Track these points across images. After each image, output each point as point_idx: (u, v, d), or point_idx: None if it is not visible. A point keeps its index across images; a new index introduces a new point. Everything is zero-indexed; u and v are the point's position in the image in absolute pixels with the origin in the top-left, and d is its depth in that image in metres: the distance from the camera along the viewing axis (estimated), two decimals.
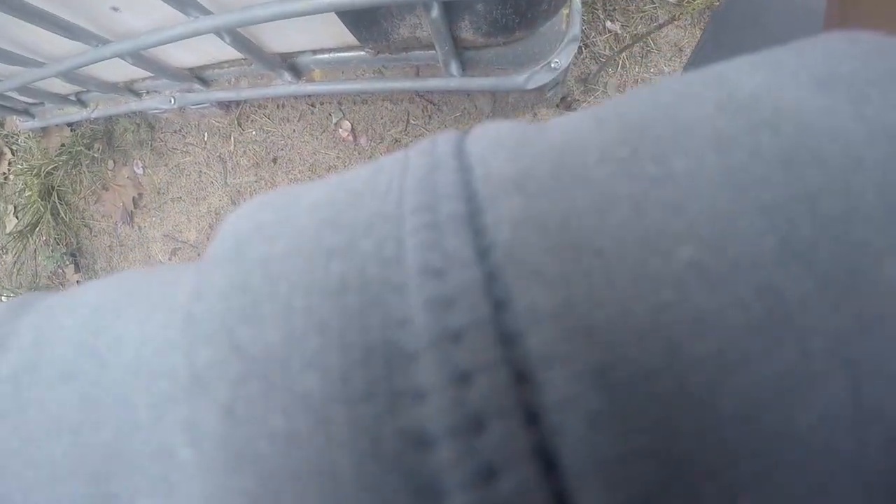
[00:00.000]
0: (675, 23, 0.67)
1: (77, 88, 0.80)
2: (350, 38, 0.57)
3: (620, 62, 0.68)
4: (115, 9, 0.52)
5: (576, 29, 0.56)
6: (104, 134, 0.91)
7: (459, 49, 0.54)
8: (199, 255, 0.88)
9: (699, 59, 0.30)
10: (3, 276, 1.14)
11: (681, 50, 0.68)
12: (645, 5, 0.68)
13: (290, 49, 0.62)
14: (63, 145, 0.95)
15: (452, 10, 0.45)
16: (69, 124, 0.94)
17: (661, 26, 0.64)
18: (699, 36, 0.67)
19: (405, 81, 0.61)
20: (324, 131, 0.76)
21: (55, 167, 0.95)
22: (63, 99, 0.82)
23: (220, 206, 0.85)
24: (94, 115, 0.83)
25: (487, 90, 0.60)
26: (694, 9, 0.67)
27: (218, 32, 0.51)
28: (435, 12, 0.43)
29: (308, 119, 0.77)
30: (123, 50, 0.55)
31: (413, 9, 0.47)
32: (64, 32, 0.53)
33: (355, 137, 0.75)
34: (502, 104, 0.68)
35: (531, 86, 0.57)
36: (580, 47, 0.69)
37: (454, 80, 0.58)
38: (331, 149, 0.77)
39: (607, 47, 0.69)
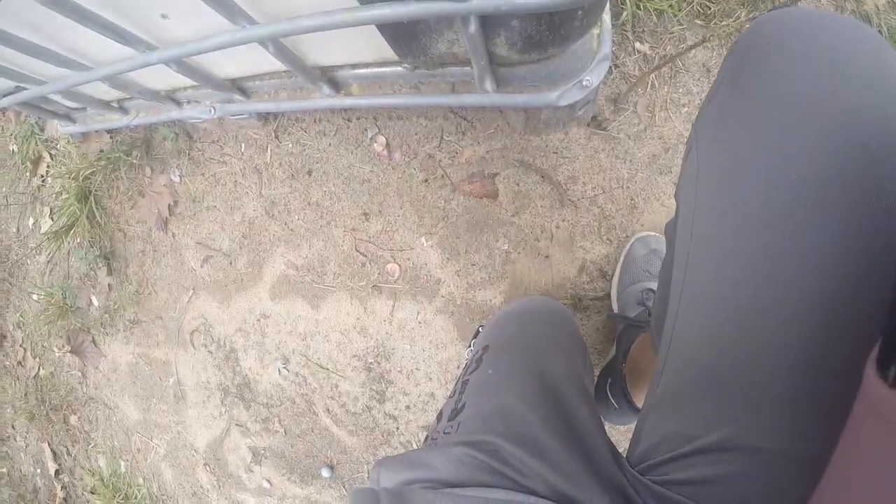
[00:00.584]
0: (704, 44, 0.68)
1: (120, 95, 0.83)
2: (389, 53, 0.58)
3: (650, 82, 0.69)
4: (164, 16, 0.54)
5: (606, 48, 0.57)
6: (143, 142, 0.94)
7: (494, 65, 0.56)
8: (230, 263, 0.90)
9: (715, 100, 0.30)
10: (36, 275, 1.17)
11: (709, 70, 0.69)
12: (673, 27, 0.69)
13: (331, 63, 0.64)
14: (102, 151, 0.98)
15: (489, 25, 0.46)
16: (109, 131, 0.97)
17: (690, 48, 0.65)
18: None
19: (441, 97, 0.62)
20: (359, 146, 0.78)
21: (93, 172, 0.98)
22: (106, 105, 0.85)
23: (254, 217, 0.87)
24: (134, 123, 0.86)
25: (520, 106, 0.61)
26: (722, 31, 0.68)
27: (263, 42, 0.52)
28: (473, 27, 0.45)
29: (344, 133, 0.79)
30: (170, 56, 0.56)
31: (451, 24, 0.49)
32: (114, 36, 0.54)
33: (390, 152, 0.77)
34: (534, 121, 0.69)
35: (563, 102, 0.58)
36: (610, 67, 0.70)
37: (488, 96, 0.59)
38: (365, 163, 0.78)
39: (637, 68, 0.70)
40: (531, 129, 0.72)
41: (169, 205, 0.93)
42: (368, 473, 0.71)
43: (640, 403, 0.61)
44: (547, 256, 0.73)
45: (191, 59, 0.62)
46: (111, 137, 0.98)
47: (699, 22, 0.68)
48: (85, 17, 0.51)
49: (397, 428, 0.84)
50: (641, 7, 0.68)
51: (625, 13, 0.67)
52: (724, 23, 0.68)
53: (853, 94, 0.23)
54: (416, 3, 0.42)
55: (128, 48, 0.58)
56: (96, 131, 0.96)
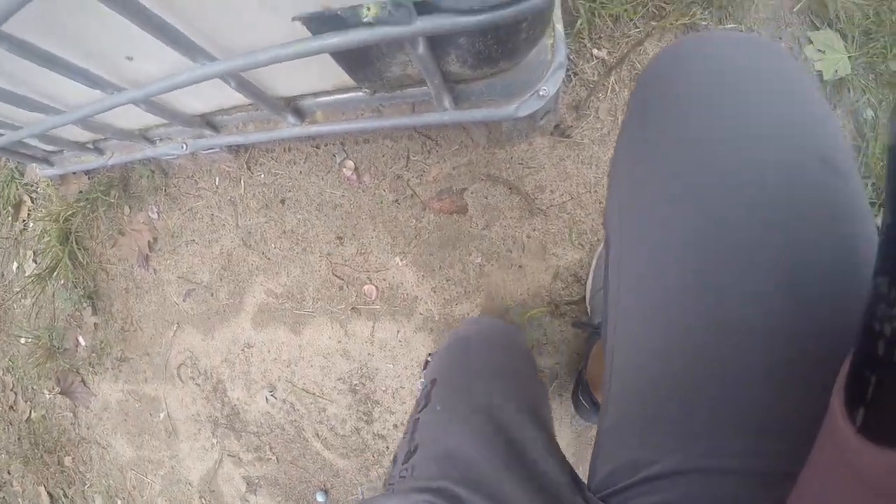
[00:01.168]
0: (658, 42, 0.70)
1: (95, 136, 0.84)
2: (348, 80, 0.60)
3: (609, 86, 0.71)
4: (129, 58, 0.55)
5: (561, 56, 0.59)
6: (120, 181, 0.96)
7: (450, 83, 0.57)
8: (212, 295, 0.91)
9: (625, 138, 0.30)
10: (23, 318, 1.17)
11: None
12: (630, 30, 0.70)
13: (294, 93, 0.65)
14: (81, 192, 0.99)
15: (438, 45, 0.48)
16: (87, 172, 0.98)
17: (639, 43, 0.66)
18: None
19: (402, 118, 0.63)
20: (329, 171, 0.79)
21: (73, 213, 0.99)
22: (81, 147, 0.86)
23: (232, 248, 0.88)
24: (110, 163, 0.87)
25: (480, 121, 0.62)
26: (676, 27, 0.69)
27: (223, 77, 0.54)
28: (421, 48, 0.46)
29: (313, 160, 0.80)
30: (136, 97, 0.58)
31: (402, 47, 0.50)
32: (83, 80, 0.56)
33: (359, 176, 0.78)
34: (497, 134, 0.70)
35: (522, 114, 0.59)
36: (570, 75, 0.72)
37: (447, 113, 0.61)
38: (336, 188, 0.79)
39: (596, 73, 0.71)
40: (495, 143, 0.73)
41: (149, 241, 0.94)
42: None
43: None
44: (520, 266, 0.74)
45: (158, 99, 0.63)
46: (89, 178, 0.99)
47: (654, 23, 0.69)
48: (54, 63, 0.53)
49: (387, 447, 0.84)
50: (596, 14, 0.69)
51: (580, 21, 0.68)
52: (678, 21, 0.69)
53: (753, 128, 0.23)
54: (362, 29, 0.43)
55: (95, 92, 0.59)
56: (74, 173, 0.97)
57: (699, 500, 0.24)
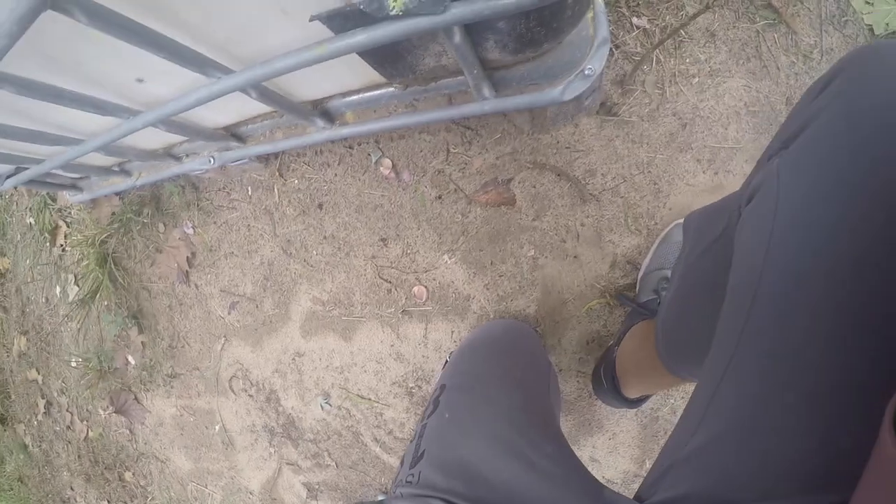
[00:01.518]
0: (708, 11, 0.64)
1: (119, 160, 0.83)
2: (377, 77, 0.56)
3: (654, 58, 0.66)
4: (140, 80, 0.53)
5: (604, 31, 0.53)
6: (152, 199, 0.95)
7: (488, 71, 0.53)
8: (257, 307, 0.90)
9: (815, 130, 0.25)
10: (71, 342, 1.19)
11: (713, 35, 0.65)
12: None
13: (319, 95, 0.62)
14: (114, 214, 0.99)
15: (475, 32, 0.44)
16: (117, 193, 0.98)
17: (694, 17, 0.61)
18: (730, 19, 0.64)
19: (439, 112, 0.60)
20: (365, 171, 0.77)
21: (108, 235, 0.99)
22: (107, 171, 0.85)
23: (273, 258, 0.86)
24: (139, 183, 0.86)
25: (524, 108, 0.58)
26: None
27: (242, 90, 0.51)
28: (457, 38, 0.42)
29: (348, 161, 0.77)
30: (151, 120, 0.55)
31: (435, 37, 0.46)
32: (95, 110, 0.54)
33: (397, 174, 0.75)
34: (540, 119, 0.66)
35: (568, 97, 0.55)
36: (611, 49, 0.67)
37: (488, 102, 0.56)
38: (374, 188, 0.77)
39: (638, 44, 0.66)
40: (539, 128, 0.69)
41: (187, 257, 0.93)
42: None
43: (625, 391, 0.61)
44: (576, 256, 0.70)
45: (178, 117, 0.61)
46: (120, 199, 0.98)
47: None
48: (61, 97, 0.51)
49: None
50: None
51: None
52: None
53: None
54: (390, 23, 0.39)
55: (110, 119, 0.57)
56: (105, 196, 0.97)
57: None
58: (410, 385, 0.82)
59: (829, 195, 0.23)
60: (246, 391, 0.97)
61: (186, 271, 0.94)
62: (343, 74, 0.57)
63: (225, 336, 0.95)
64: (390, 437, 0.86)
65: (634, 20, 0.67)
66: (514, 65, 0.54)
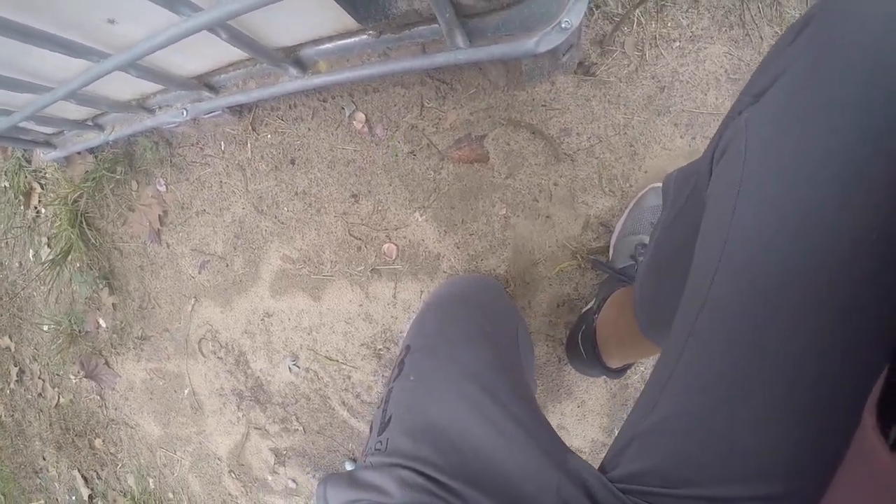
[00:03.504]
0: None
1: (92, 112, 0.82)
2: (350, 22, 0.55)
3: (635, 19, 0.65)
4: (111, 21, 0.51)
5: None
6: (125, 156, 0.93)
7: (462, 19, 0.52)
8: (227, 265, 0.89)
9: (784, 85, 0.23)
10: (43, 305, 1.17)
11: (697, 0, 0.65)
12: None
13: (292, 42, 0.61)
14: (87, 172, 0.97)
15: None
16: (91, 151, 0.96)
17: None
18: None
19: (412, 60, 0.58)
20: (338, 126, 0.75)
21: (80, 194, 0.97)
22: (80, 125, 0.84)
23: (244, 215, 0.85)
24: (111, 137, 0.84)
25: (497, 59, 0.57)
26: None
27: (213, 29, 0.50)
28: None
29: (321, 115, 0.76)
30: (123, 61, 0.54)
31: None
32: (64, 50, 0.52)
33: (371, 128, 0.74)
34: (516, 74, 0.65)
35: (543, 48, 0.54)
36: (591, 9, 0.66)
37: (462, 52, 0.55)
38: (347, 143, 0.75)
39: (619, 5, 0.66)
40: (514, 84, 0.68)
41: (159, 215, 0.91)
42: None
43: (607, 360, 0.59)
44: (548, 216, 0.69)
45: (150, 62, 0.60)
46: (94, 157, 0.97)
47: None
48: (31, 36, 0.49)
49: None
50: None
51: None
52: None
53: None
54: None
55: (82, 61, 0.56)
56: (79, 153, 0.95)
57: None
58: (378, 347, 0.81)
59: (802, 154, 0.21)
60: (215, 353, 0.95)
61: (158, 230, 0.93)
62: (315, 18, 0.56)
63: (195, 296, 0.93)
64: (357, 400, 0.85)
65: None
66: (489, 12, 0.53)
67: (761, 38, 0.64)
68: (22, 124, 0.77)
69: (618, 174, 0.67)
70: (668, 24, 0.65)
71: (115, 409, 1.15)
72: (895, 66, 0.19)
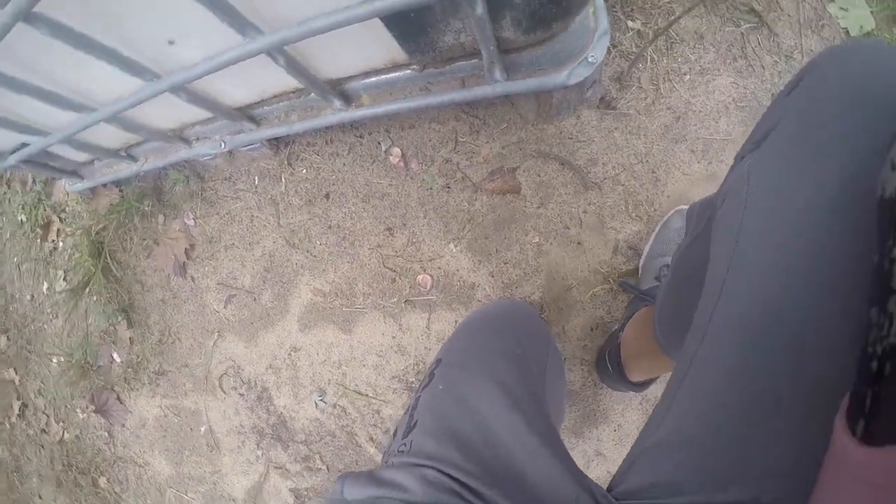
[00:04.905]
0: (692, 12, 0.69)
1: (127, 140, 0.82)
2: (398, 55, 0.58)
3: (648, 57, 0.70)
4: (171, 42, 0.53)
5: (604, 23, 0.58)
6: (153, 191, 0.94)
7: (501, 53, 0.55)
8: (254, 300, 0.88)
9: (779, 137, 0.27)
10: (55, 338, 1.14)
11: (702, 37, 0.70)
12: (659, 1, 0.70)
13: (340, 74, 0.64)
14: (112, 205, 0.98)
15: (494, 7, 0.47)
16: (118, 184, 0.97)
17: (678, 18, 0.66)
18: (717, 23, 0.69)
19: (453, 93, 0.62)
20: (374, 161, 0.78)
21: (105, 226, 0.98)
22: (113, 154, 0.84)
23: (275, 249, 0.85)
24: (144, 168, 0.85)
25: (532, 90, 0.60)
26: None
27: (273, 53, 0.52)
28: (479, 8, 0.45)
29: (357, 150, 0.78)
30: (180, 80, 0.55)
31: (457, 12, 0.49)
32: (122, 66, 0.53)
33: (406, 163, 0.76)
34: (545, 108, 0.69)
35: (573, 81, 0.58)
36: (609, 48, 0.71)
37: (500, 85, 0.59)
38: (383, 177, 0.77)
39: (633, 45, 0.71)
40: (543, 118, 0.71)
41: (185, 249, 0.92)
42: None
43: (630, 376, 0.62)
44: (579, 243, 0.71)
45: (199, 87, 0.62)
46: (120, 190, 0.98)
47: None
48: (91, 47, 0.50)
49: None
50: None
51: None
52: None
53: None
54: None
55: (133, 82, 0.57)
56: (105, 185, 0.96)
57: None
58: (411, 379, 0.80)
59: (793, 195, 0.24)
60: (236, 389, 0.93)
61: (184, 263, 0.93)
62: (366, 50, 0.58)
63: (218, 331, 0.92)
64: (387, 436, 0.83)
65: (629, 23, 0.72)
66: (525, 48, 0.57)
67: (763, 67, 0.68)
68: (54, 149, 0.77)
69: (643, 200, 0.69)
70: (679, 60, 0.70)
71: (124, 447, 1.11)
72: (877, 117, 0.21)
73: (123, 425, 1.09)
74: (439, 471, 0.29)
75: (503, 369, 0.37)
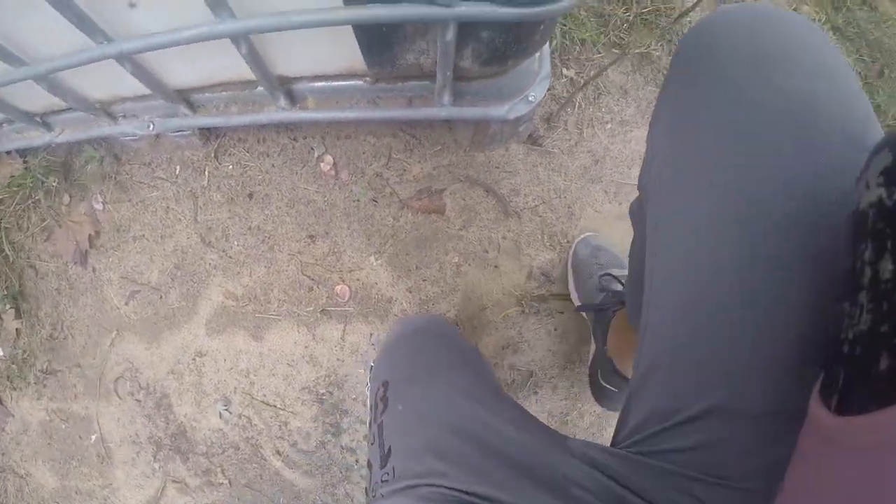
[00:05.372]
0: (617, 68, 0.76)
1: (49, 105, 0.73)
2: (357, 65, 0.58)
3: (577, 103, 0.76)
4: (132, 4, 0.49)
5: (546, 68, 0.63)
6: (62, 166, 0.86)
7: (455, 79, 0.57)
8: (160, 298, 0.82)
9: (667, 101, 0.32)
10: None
11: (626, 91, 0.77)
12: (594, 55, 0.77)
13: (294, 73, 0.62)
14: (13, 177, 0.88)
15: (461, 36, 0.48)
16: (23, 155, 0.88)
17: (605, 69, 0.73)
18: (640, 82, 0.76)
19: (398, 111, 0.62)
20: (304, 165, 0.76)
21: (1, 200, 0.88)
22: (28, 118, 0.75)
23: (188, 245, 0.81)
24: (59, 140, 0.77)
25: (474, 119, 0.63)
26: (634, 56, 0.76)
27: (239, 39, 0.50)
28: (450, 34, 0.47)
29: (289, 153, 0.77)
30: (131, 49, 0.51)
31: (425, 33, 0.50)
32: (74, 19, 0.48)
33: (337, 172, 0.75)
34: (480, 137, 0.71)
35: (512, 115, 0.62)
36: None
37: (445, 109, 0.61)
38: (310, 183, 0.76)
39: (565, 90, 0.76)
40: (476, 146, 0.74)
41: (90, 235, 0.84)
42: None
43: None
44: (496, 266, 0.73)
45: (147, 61, 0.57)
46: (25, 161, 0.88)
47: (615, 51, 0.77)
48: None
49: (356, 461, 0.78)
50: (567, 37, 0.75)
51: (554, 41, 0.74)
52: (636, 50, 0.76)
53: (782, 103, 0.25)
54: (404, 4, 0.43)
55: (79, 40, 0.51)
56: (9, 153, 0.86)
57: (732, 441, 0.26)
58: (321, 391, 0.77)
59: (686, 206, 0.29)
60: (133, 395, 0.86)
61: (86, 251, 0.85)
62: (327, 54, 0.58)
63: (117, 329, 0.85)
64: (294, 449, 0.80)
65: (564, 70, 0.77)
66: (476, 78, 0.59)
67: None
68: None
69: (557, 231, 0.74)
70: (603, 109, 0.76)
71: (3, 455, 0.98)
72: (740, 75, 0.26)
73: (3, 430, 0.97)
74: (432, 485, 0.29)
75: (453, 373, 0.38)
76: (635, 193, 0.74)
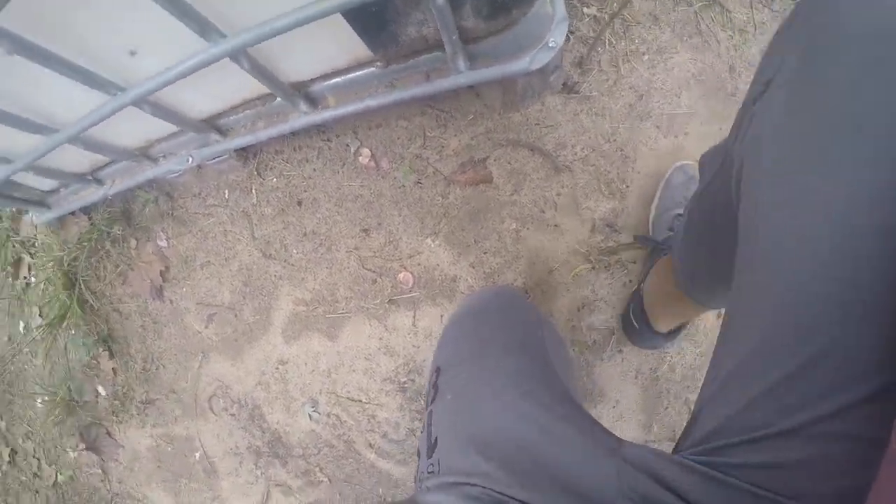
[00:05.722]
0: None
1: (94, 162, 0.79)
2: (361, 52, 0.58)
3: (606, 40, 0.71)
4: (132, 52, 0.52)
5: (561, 10, 0.59)
6: (122, 214, 0.92)
7: (464, 42, 0.56)
8: (236, 316, 0.86)
9: (783, 82, 0.25)
10: (37, 378, 1.11)
11: (657, 18, 0.71)
12: None
13: (304, 77, 0.63)
14: (82, 234, 0.95)
15: None
16: (86, 212, 0.94)
17: (627, 1, 0.67)
18: (669, 4, 0.70)
19: (417, 88, 0.61)
20: (344, 163, 0.77)
21: (76, 256, 0.95)
22: (80, 179, 0.82)
23: (251, 262, 0.84)
24: (112, 192, 0.83)
25: (496, 78, 0.61)
26: None
27: (237, 57, 0.51)
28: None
29: (326, 155, 0.77)
30: (143, 92, 0.54)
31: (418, 3, 0.49)
32: (85, 80, 0.52)
33: (377, 162, 0.75)
34: (510, 96, 0.69)
35: (535, 66, 0.58)
36: (567, 35, 0.71)
37: (463, 75, 0.59)
38: (354, 179, 0.77)
39: (591, 30, 0.71)
40: (509, 106, 0.71)
41: (161, 271, 0.89)
42: None
43: (657, 326, 0.62)
44: (556, 225, 0.71)
45: (164, 99, 0.60)
46: (89, 217, 0.95)
47: None
48: (51, 61, 0.49)
49: None
50: None
51: None
52: None
53: None
54: None
55: (96, 97, 0.55)
56: (73, 213, 0.93)
57: (818, 462, 0.23)
58: (402, 379, 0.79)
59: (806, 151, 0.23)
60: (227, 410, 0.91)
61: (160, 286, 0.90)
62: (329, 49, 0.58)
63: (203, 352, 0.90)
64: (385, 440, 0.82)
65: (585, 9, 0.72)
66: (486, 36, 0.57)
67: (718, 42, 0.69)
68: (17, 178, 0.75)
69: (614, 177, 0.70)
70: (636, 41, 0.71)
71: (120, 483, 1.07)
72: (885, 57, 0.20)
73: (116, 460, 1.06)
74: (480, 486, 0.28)
75: (506, 361, 0.37)
76: (691, 123, 0.71)
